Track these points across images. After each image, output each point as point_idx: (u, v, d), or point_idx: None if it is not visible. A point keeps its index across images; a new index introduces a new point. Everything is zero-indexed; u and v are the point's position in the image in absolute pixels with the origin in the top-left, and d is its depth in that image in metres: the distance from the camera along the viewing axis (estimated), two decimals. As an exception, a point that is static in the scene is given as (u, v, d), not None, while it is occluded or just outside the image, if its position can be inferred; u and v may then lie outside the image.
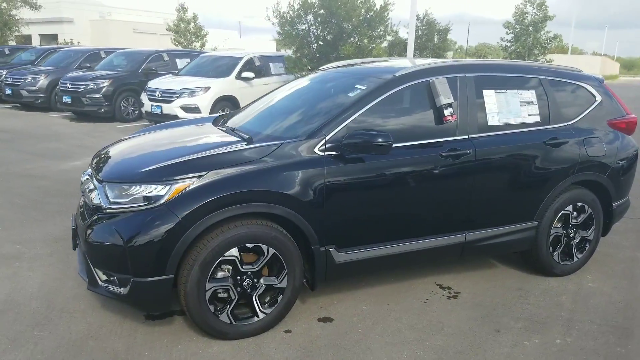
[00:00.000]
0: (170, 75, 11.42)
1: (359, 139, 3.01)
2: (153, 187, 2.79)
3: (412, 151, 3.33)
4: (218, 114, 4.75)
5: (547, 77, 3.96)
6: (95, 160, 3.42)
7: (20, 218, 4.98)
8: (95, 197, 2.98)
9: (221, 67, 11.02)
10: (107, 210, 2.86)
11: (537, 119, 3.83)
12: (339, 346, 3.02)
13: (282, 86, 4.45)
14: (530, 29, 28.09)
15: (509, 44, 29.41)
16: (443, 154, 3.36)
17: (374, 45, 11.54)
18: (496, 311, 3.51)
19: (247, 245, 2.89)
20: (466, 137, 3.50)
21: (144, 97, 10.58)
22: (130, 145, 3.53)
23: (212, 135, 3.58)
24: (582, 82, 4.15)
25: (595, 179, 4.02)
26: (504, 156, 3.63)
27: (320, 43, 11.58)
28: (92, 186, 3.11)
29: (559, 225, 4.01)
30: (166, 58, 12.73)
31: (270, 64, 11.66)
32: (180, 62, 12.74)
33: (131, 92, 11.66)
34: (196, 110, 9.81)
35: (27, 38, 34.13)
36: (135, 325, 3.15)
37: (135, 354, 2.87)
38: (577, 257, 4.11)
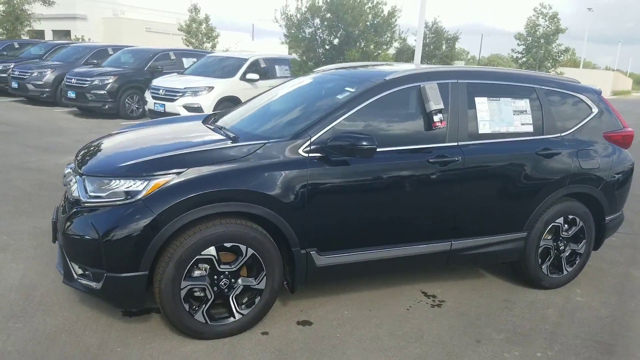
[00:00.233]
0: (175, 74, 11.45)
1: (344, 141, 2.97)
2: (132, 182, 2.77)
3: (398, 156, 3.29)
4: (210, 113, 4.73)
5: (543, 87, 3.91)
6: (79, 154, 3.41)
7: (11, 210, 4.99)
8: (75, 191, 2.96)
9: (226, 67, 11.03)
10: (86, 204, 2.84)
11: (530, 128, 3.78)
12: (315, 350, 2.97)
13: (276, 87, 4.43)
14: (542, 41, 27.92)
15: (519, 55, 29.25)
16: (430, 160, 3.32)
17: (380, 51, 11.50)
18: (479, 321, 3.46)
19: (225, 244, 2.86)
20: (455, 144, 3.45)
21: (147, 95, 10.62)
22: (116, 140, 3.52)
23: (199, 133, 3.56)
24: (579, 94, 4.10)
25: (588, 191, 3.95)
26: (493, 165, 3.58)
27: (327, 47, 11.57)
28: (73, 179, 3.10)
29: (549, 237, 3.95)
30: (172, 57, 12.79)
31: (276, 67, 11.67)
32: (187, 62, 12.77)
33: (136, 90, 11.70)
34: (199, 109, 9.81)
35: (40, 33, 34.49)
36: (111, 321, 3.13)
37: (107, 349, 2.84)
38: (567, 271, 4.04)
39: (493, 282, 4.10)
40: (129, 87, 11.63)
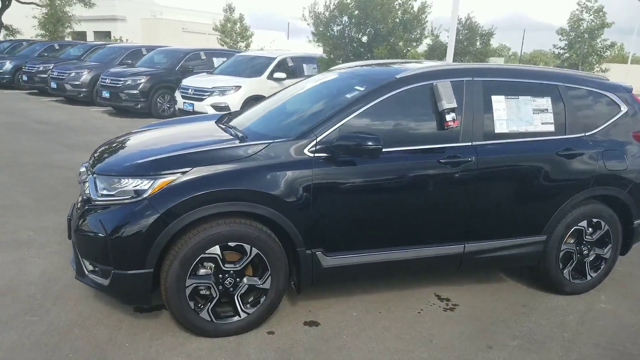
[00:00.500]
0: (205, 73, 11.63)
1: (349, 141, 2.93)
2: (139, 180, 2.82)
3: (408, 156, 3.22)
4: (225, 112, 4.78)
5: (566, 84, 3.75)
6: (94, 153, 3.49)
7: (39, 206, 5.18)
8: (87, 189, 3.04)
9: (254, 66, 11.13)
10: (96, 202, 2.91)
11: (551, 128, 3.63)
12: (319, 351, 2.95)
13: (291, 86, 4.42)
14: (586, 36, 26.88)
15: (562, 51, 28.26)
16: (441, 160, 3.24)
17: (409, 48, 11.33)
18: (493, 327, 3.35)
19: (229, 244, 2.87)
20: (469, 144, 3.35)
21: (177, 95, 10.82)
22: (130, 139, 3.60)
23: (210, 133, 3.59)
24: (607, 91, 3.91)
25: (614, 194, 3.77)
26: (509, 165, 3.46)
27: (355, 45, 11.49)
28: (87, 178, 3.18)
29: (572, 241, 3.79)
30: (203, 57, 12.99)
31: (304, 65, 11.69)
32: (217, 61, 12.95)
33: (167, 89, 11.94)
34: (226, 108, 9.92)
35: (82, 35, 35.73)
36: (122, 316, 3.20)
37: (116, 344, 2.91)
38: (591, 276, 3.87)
39: (513, 287, 3.97)
40: (160, 86, 11.89)
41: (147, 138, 3.60)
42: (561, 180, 3.59)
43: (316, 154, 3.00)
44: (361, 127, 3.12)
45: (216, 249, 2.86)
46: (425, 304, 3.59)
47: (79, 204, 3.18)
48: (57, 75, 13.27)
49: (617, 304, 3.77)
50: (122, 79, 11.64)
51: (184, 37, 36.23)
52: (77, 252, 3.02)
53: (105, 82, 11.88)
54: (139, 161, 2.93)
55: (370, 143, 2.88)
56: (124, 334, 3.01)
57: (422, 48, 14.95)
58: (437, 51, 16.16)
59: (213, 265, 2.91)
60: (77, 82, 12.99)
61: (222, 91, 10.12)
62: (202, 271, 2.91)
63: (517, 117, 3.54)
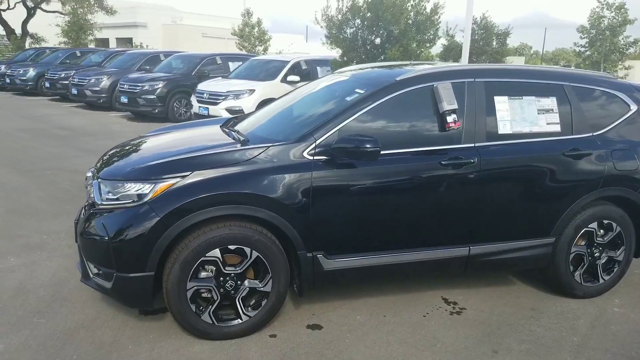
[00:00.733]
0: (220, 77, 11.75)
1: (348, 143, 2.93)
2: (141, 185, 2.86)
3: (409, 158, 3.20)
4: (231, 116, 4.82)
5: (572, 84, 3.68)
6: (102, 157, 3.56)
7: (54, 210, 5.30)
8: (92, 193, 3.10)
9: (268, 70, 11.21)
10: (100, 206, 2.96)
11: (557, 128, 3.56)
12: (321, 355, 2.95)
13: (295, 90, 4.44)
14: (607, 33, 26.30)
15: (583, 49, 27.70)
16: (443, 162, 3.21)
17: (422, 49, 11.26)
18: (500, 331, 3.30)
19: (229, 247, 2.89)
20: (472, 145, 3.32)
21: (193, 99, 10.96)
22: (135, 144, 3.65)
23: (213, 137, 3.62)
24: (615, 90, 3.82)
25: (625, 195, 3.68)
26: (513, 166, 3.41)
27: (368, 47, 11.47)
28: (92, 182, 3.24)
29: (582, 243, 3.71)
30: (219, 61, 13.13)
31: (318, 68, 11.72)
32: (233, 66, 13.09)
33: (184, 94, 12.11)
34: (240, 112, 9.98)
35: (104, 42, 36.49)
36: (127, 318, 3.24)
37: (119, 346, 2.95)
38: (604, 279, 3.78)
39: (522, 290, 3.90)
40: (177, 91, 12.06)
41: (151, 143, 3.65)
42: (568, 181, 3.52)
43: (316, 157, 3.00)
44: (361, 129, 3.11)
45: (216, 252, 2.88)
46: (431, 308, 3.56)
47: (85, 208, 3.24)
48: (78, 81, 13.58)
49: (631, 308, 3.67)
50: (139, 84, 11.85)
51: (203, 42, 36.65)
52: (82, 255, 3.08)
53: (123, 88, 12.10)
54: (141, 166, 2.98)
55: (368, 145, 2.88)
56: (128, 336, 3.05)
57: (438, 49, 14.86)
58: (452, 52, 16.07)
59: (214, 268, 2.93)
60: (97, 88, 13.27)
61: (237, 95, 10.22)
62: (203, 274, 2.94)
63: (521, 117, 3.49)
